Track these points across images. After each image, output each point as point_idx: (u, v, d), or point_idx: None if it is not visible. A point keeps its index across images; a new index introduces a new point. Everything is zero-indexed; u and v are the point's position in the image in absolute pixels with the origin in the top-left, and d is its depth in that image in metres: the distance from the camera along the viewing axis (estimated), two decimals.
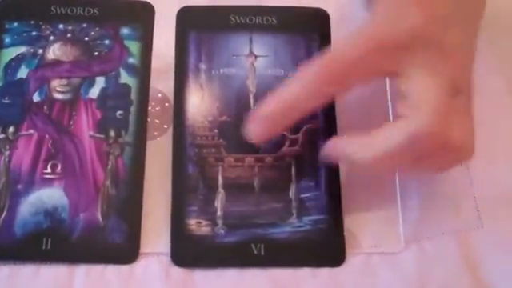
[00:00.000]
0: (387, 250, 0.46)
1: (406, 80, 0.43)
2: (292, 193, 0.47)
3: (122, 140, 0.47)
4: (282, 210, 0.46)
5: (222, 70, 0.50)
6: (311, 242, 0.46)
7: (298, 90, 0.43)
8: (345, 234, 0.46)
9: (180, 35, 0.50)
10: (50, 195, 0.46)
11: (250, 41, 0.51)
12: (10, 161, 0.46)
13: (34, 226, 0.45)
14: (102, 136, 0.47)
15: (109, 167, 0.47)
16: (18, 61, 0.49)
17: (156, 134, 0.49)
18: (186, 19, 0.51)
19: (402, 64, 0.43)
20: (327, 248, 0.46)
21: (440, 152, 0.42)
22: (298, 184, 0.47)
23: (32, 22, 0.50)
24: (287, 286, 0.45)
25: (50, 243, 0.44)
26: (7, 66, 0.49)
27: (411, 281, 0.45)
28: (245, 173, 0.47)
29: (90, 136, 0.47)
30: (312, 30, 0.51)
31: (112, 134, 0.48)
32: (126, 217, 0.45)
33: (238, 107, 0.49)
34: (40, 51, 0.50)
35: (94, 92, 0.49)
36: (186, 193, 0.46)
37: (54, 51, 0.50)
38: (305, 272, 0.45)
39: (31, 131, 0.47)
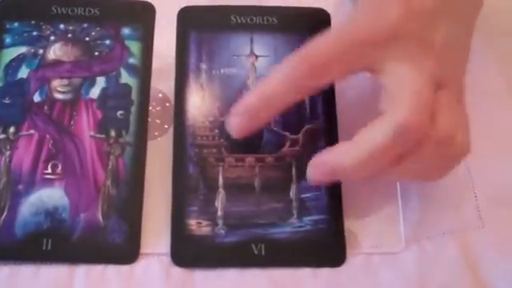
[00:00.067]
0: (388, 250, 0.46)
1: (386, 75, 0.43)
2: (292, 193, 0.47)
3: (123, 140, 0.47)
4: (283, 210, 0.46)
5: (222, 70, 0.50)
6: (312, 242, 0.46)
7: (277, 82, 0.43)
8: (345, 234, 0.46)
9: (181, 35, 0.50)
10: (51, 195, 0.46)
11: (251, 41, 0.51)
12: (10, 161, 0.46)
13: (34, 226, 0.45)
14: (103, 136, 0.47)
15: (109, 167, 0.47)
16: (18, 61, 0.49)
17: (157, 134, 0.49)
18: (187, 19, 0.51)
19: (381, 59, 0.42)
20: (328, 248, 0.46)
21: (429, 148, 0.42)
22: (299, 184, 0.47)
23: (33, 22, 0.50)
24: (287, 286, 0.45)
25: (51, 243, 0.44)
26: (8, 66, 0.49)
27: (412, 281, 0.45)
28: (245, 173, 0.47)
29: (91, 136, 0.47)
30: (313, 30, 0.50)
31: (113, 134, 0.48)
32: (127, 217, 0.45)
33: None
34: (41, 51, 0.50)
35: (95, 92, 0.49)
36: (186, 193, 0.46)
37: (55, 51, 0.50)
38: (305, 272, 0.45)
39: (32, 131, 0.47)
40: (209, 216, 0.46)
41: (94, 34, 0.51)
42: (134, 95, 0.49)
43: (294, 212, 0.46)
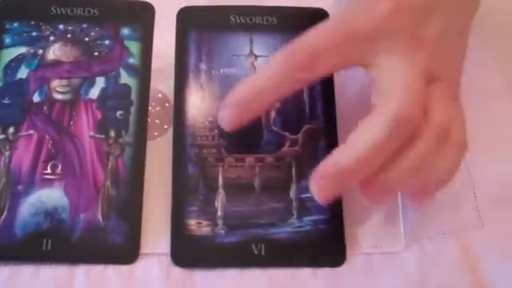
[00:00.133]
0: (388, 250, 0.46)
1: (376, 69, 0.43)
2: (292, 193, 0.47)
3: (122, 140, 0.47)
4: (283, 210, 0.46)
5: (222, 70, 0.50)
6: (312, 242, 0.46)
7: (269, 75, 0.43)
8: (345, 234, 0.46)
9: (180, 35, 0.50)
10: (50, 196, 0.46)
11: (251, 41, 0.51)
12: (10, 161, 0.46)
13: (34, 226, 0.45)
14: (102, 136, 0.47)
15: (109, 167, 0.47)
16: (18, 61, 0.49)
17: (156, 134, 0.49)
18: (186, 19, 0.51)
19: (372, 53, 0.42)
20: (328, 248, 0.46)
21: (423, 142, 0.41)
22: (299, 184, 0.47)
23: (32, 22, 0.50)
24: (287, 287, 0.45)
25: (51, 244, 0.44)
26: (7, 66, 0.49)
27: (412, 281, 0.45)
28: (245, 173, 0.47)
29: (90, 136, 0.47)
30: None
31: (112, 134, 0.48)
32: (126, 217, 0.45)
33: None
34: (40, 51, 0.50)
35: (94, 92, 0.49)
36: (186, 193, 0.46)
37: (54, 51, 0.50)
38: (305, 272, 0.45)
39: (31, 132, 0.47)
40: (209, 216, 0.46)
41: (93, 34, 0.51)
42: (134, 95, 0.49)
43: (294, 212, 0.46)
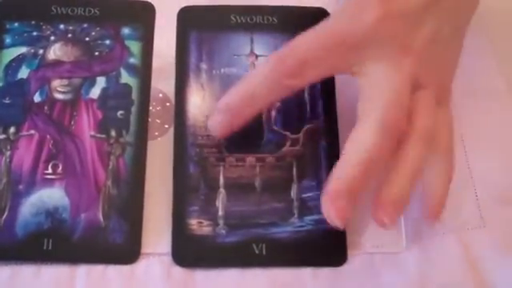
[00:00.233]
0: (389, 250, 0.46)
1: (363, 76, 0.43)
2: (293, 192, 0.47)
3: (123, 140, 0.47)
4: (284, 209, 0.46)
5: (222, 70, 0.50)
6: (313, 241, 0.46)
7: (258, 81, 0.44)
8: (346, 234, 0.46)
9: (181, 35, 0.50)
10: (51, 195, 0.46)
11: (251, 40, 0.51)
12: (11, 161, 0.46)
13: (35, 226, 0.45)
14: (103, 136, 0.47)
15: (110, 167, 0.47)
16: (18, 61, 0.49)
17: (157, 133, 0.49)
18: (187, 19, 0.51)
19: (358, 61, 0.43)
20: (329, 248, 0.46)
21: (410, 146, 0.42)
22: (300, 184, 0.47)
23: (33, 22, 0.50)
24: (288, 286, 0.45)
25: (51, 243, 0.44)
26: (8, 66, 0.49)
27: (413, 281, 0.45)
28: (246, 173, 0.47)
29: (91, 136, 0.47)
30: None
31: (113, 133, 0.48)
32: (127, 217, 0.45)
33: None
34: (41, 51, 0.50)
35: (95, 92, 0.49)
36: (187, 193, 0.46)
37: (55, 51, 0.50)
38: (306, 272, 0.45)
39: (32, 131, 0.47)
40: (210, 216, 0.46)
41: (93, 34, 0.51)
42: (135, 95, 0.49)
43: (295, 212, 0.46)
